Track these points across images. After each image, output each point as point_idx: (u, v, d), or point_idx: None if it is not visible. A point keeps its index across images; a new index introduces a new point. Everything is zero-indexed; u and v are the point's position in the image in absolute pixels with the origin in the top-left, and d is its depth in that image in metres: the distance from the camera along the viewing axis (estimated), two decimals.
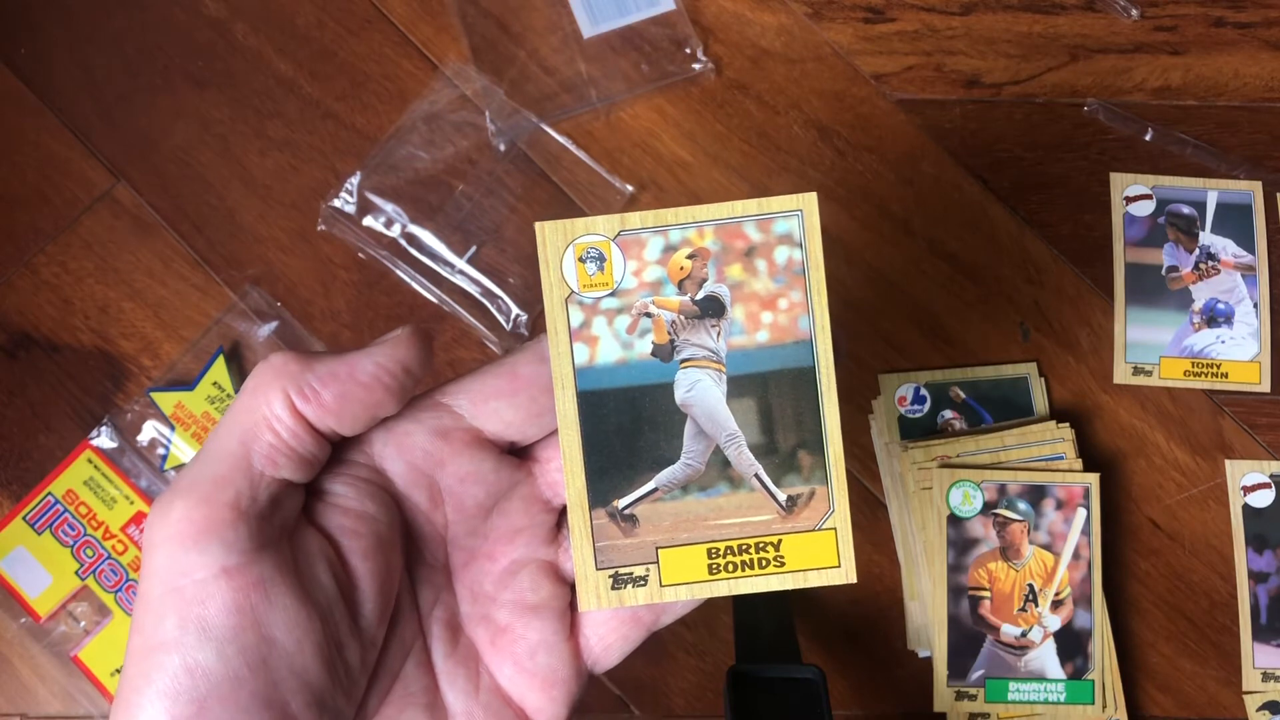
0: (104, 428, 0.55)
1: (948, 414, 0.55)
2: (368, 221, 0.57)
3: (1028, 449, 0.53)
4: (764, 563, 0.28)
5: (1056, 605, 0.52)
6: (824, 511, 0.28)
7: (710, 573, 0.28)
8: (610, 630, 0.29)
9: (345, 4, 0.60)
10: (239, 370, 0.56)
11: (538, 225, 0.27)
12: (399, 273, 0.56)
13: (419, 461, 0.27)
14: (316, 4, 0.60)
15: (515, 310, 0.56)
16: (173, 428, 0.55)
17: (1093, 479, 0.53)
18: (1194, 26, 0.59)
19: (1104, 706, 0.52)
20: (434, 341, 0.27)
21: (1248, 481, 0.54)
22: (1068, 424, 0.54)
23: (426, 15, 0.59)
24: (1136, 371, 0.55)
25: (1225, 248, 0.56)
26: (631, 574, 0.28)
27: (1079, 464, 0.53)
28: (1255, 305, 0.55)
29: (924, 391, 0.55)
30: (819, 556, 0.28)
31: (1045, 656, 0.52)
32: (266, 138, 0.58)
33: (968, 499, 0.53)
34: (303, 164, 0.58)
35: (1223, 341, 0.55)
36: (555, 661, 0.28)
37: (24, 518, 0.54)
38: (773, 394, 0.29)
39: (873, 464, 0.55)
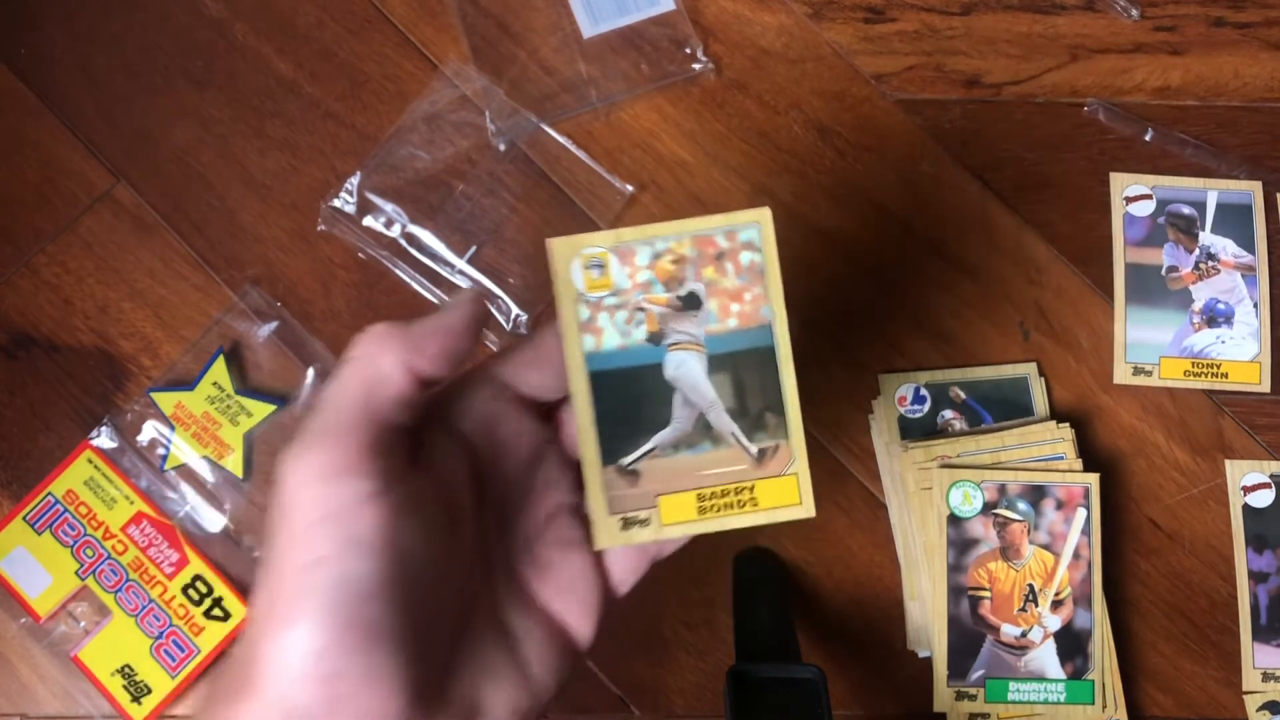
0: (104, 428, 0.55)
1: (948, 414, 0.55)
2: (368, 221, 0.57)
3: (1028, 449, 0.53)
4: (741, 504, 0.35)
5: (1056, 605, 0.52)
6: (787, 460, 0.35)
7: (700, 514, 0.35)
8: (625, 562, 0.35)
9: (345, 4, 0.60)
10: (239, 370, 0.56)
11: (549, 241, 0.34)
12: (399, 273, 0.56)
13: (482, 419, 0.33)
14: (316, 4, 0.60)
15: (515, 310, 0.56)
16: (173, 428, 0.55)
17: (1093, 479, 0.53)
18: (1194, 26, 0.59)
19: (1104, 706, 0.52)
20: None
21: (1248, 481, 0.54)
22: (1068, 424, 0.54)
23: (426, 15, 0.59)
24: (1137, 372, 0.55)
25: (1225, 248, 0.56)
26: (637, 517, 0.35)
27: (1079, 464, 0.53)
28: (1255, 305, 0.55)
29: (924, 391, 0.55)
30: (785, 497, 0.35)
31: (1045, 656, 0.52)
32: (266, 138, 0.58)
33: (968, 499, 0.53)
34: (303, 164, 0.58)
35: (1223, 341, 0.55)
36: (589, 587, 0.34)
37: (24, 518, 0.54)
38: (742, 369, 0.36)
39: (873, 464, 0.55)
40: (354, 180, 0.57)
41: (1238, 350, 0.55)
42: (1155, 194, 0.56)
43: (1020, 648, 0.52)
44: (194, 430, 0.55)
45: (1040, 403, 0.55)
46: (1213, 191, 0.56)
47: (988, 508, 0.53)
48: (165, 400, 0.55)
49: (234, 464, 0.54)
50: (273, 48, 0.59)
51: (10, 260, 0.57)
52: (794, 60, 0.59)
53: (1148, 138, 0.57)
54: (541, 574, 0.34)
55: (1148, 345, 0.55)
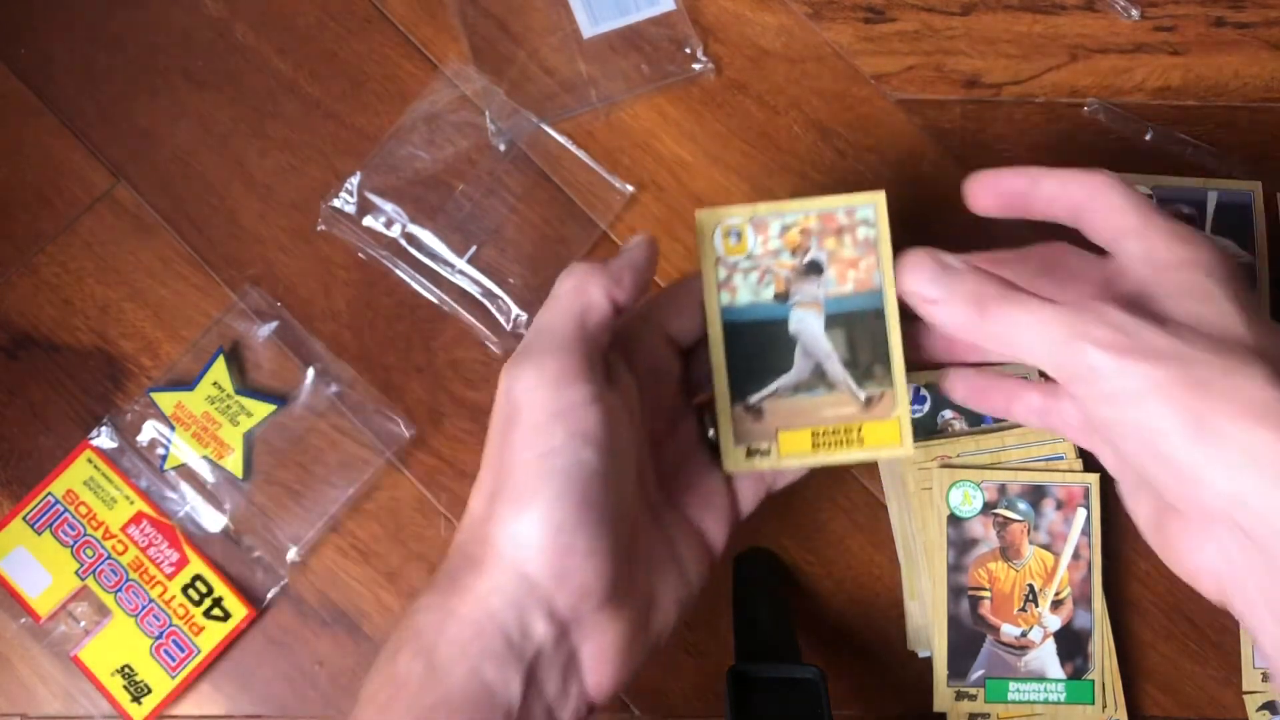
0: (104, 428, 0.55)
1: (948, 414, 0.55)
2: (368, 221, 0.57)
3: (1028, 449, 0.53)
4: (850, 442, 0.42)
5: (1056, 605, 0.52)
6: (891, 406, 0.42)
7: (813, 448, 0.42)
8: (747, 489, 0.43)
9: (345, 4, 0.60)
10: (239, 370, 0.56)
11: (697, 212, 0.41)
12: (399, 273, 0.56)
13: (643, 351, 0.40)
14: (316, 4, 0.60)
15: (515, 310, 0.56)
16: (173, 428, 0.55)
17: (1093, 479, 0.53)
18: (1194, 26, 0.59)
19: (1104, 706, 0.52)
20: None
21: None
22: None
23: (426, 15, 0.60)
24: (751, 454, 0.46)
25: (1226, 248, 0.55)
26: (759, 448, 0.41)
27: (1079, 464, 0.53)
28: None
29: (924, 391, 0.55)
30: (887, 438, 0.42)
31: (1045, 656, 0.52)
32: (266, 138, 0.58)
33: (968, 499, 0.53)
34: (303, 164, 0.58)
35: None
36: (722, 503, 0.42)
37: (24, 518, 0.54)
38: (855, 327, 0.42)
39: (873, 464, 0.55)
40: (354, 180, 0.57)
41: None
42: (1155, 194, 0.55)
43: (1020, 648, 0.52)
44: (194, 430, 0.55)
45: None
46: (1212, 191, 0.55)
47: (988, 508, 0.53)
48: (165, 400, 0.55)
49: (234, 464, 0.54)
50: (273, 48, 0.59)
51: (10, 260, 0.57)
52: (794, 60, 0.59)
53: (1148, 137, 0.57)
54: (684, 489, 0.41)
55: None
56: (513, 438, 0.34)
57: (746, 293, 0.42)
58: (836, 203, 0.42)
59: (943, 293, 0.37)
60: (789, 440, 0.42)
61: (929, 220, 0.58)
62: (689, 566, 0.39)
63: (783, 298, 0.42)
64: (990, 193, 0.41)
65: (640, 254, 0.39)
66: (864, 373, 0.42)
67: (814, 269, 0.43)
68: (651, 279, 0.39)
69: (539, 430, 0.34)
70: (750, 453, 0.41)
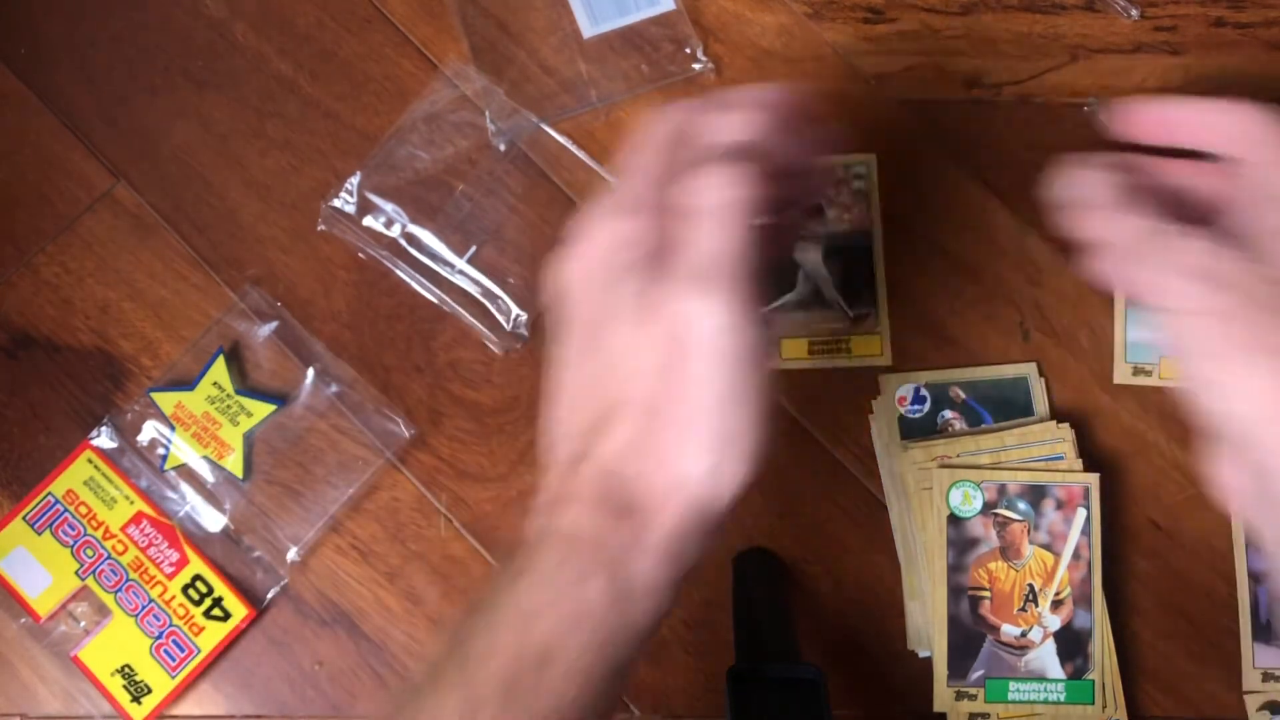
0: (104, 428, 0.55)
1: (948, 414, 0.55)
2: (368, 221, 0.57)
3: (1028, 449, 0.53)
4: (839, 351, 0.52)
5: (1056, 605, 0.52)
6: (875, 324, 0.53)
7: (809, 355, 0.52)
8: None
9: (345, 4, 0.60)
10: (239, 370, 0.56)
11: None
12: (399, 273, 0.56)
13: None
14: (316, 4, 0.60)
15: (515, 310, 0.56)
16: (173, 428, 0.55)
17: (1093, 479, 0.53)
18: (1194, 26, 0.59)
19: (1104, 706, 0.52)
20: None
21: None
22: (1068, 424, 0.54)
23: (426, 15, 0.59)
24: (1137, 372, 0.54)
25: None
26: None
27: (1079, 464, 0.53)
28: None
29: (924, 391, 0.55)
30: (871, 349, 0.53)
31: (1045, 656, 0.52)
32: (266, 138, 0.58)
33: (968, 499, 0.53)
34: (303, 164, 0.58)
35: None
36: None
37: (24, 518, 0.54)
38: (848, 259, 0.53)
39: (873, 464, 0.55)
40: (354, 180, 0.57)
41: None
42: None
43: (1020, 648, 0.52)
44: (194, 430, 0.55)
45: (1040, 403, 0.55)
46: None
47: (988, 508, 0.53)
48: (165, 400, 0.55)
49: (234, 464, 0.54)
50: (273, 48, 0.59)
51: (10, 260, 0.57)
52: (794, 60, 0.59)
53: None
54: None
55: (1149, 344, 0.54)
56: (692, 370, 0.35)
57: None
58: (836, 161, 0.54)
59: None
60: (790, 347, 0.52)
61: (929, 220, 0.58)
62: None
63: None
64: (1139, 122, 0.42)
65: (786, 97, 0.39)
66: (854, 295, 0.52)
67: (817, 210, 0.52)
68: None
69: (726, 371, 0.35)
70: (1138, 370, 0.47)
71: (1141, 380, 0.54)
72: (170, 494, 0.54)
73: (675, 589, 0.36)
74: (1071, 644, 0.52)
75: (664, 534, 0.35)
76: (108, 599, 0.53)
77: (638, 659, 0.36)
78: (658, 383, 0.35)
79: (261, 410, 0.55)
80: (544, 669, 0.33)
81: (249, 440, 0.55)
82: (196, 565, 0.54)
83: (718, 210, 0.35)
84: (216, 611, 0.53)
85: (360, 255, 0.57)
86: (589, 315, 0.37)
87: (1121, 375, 0.55)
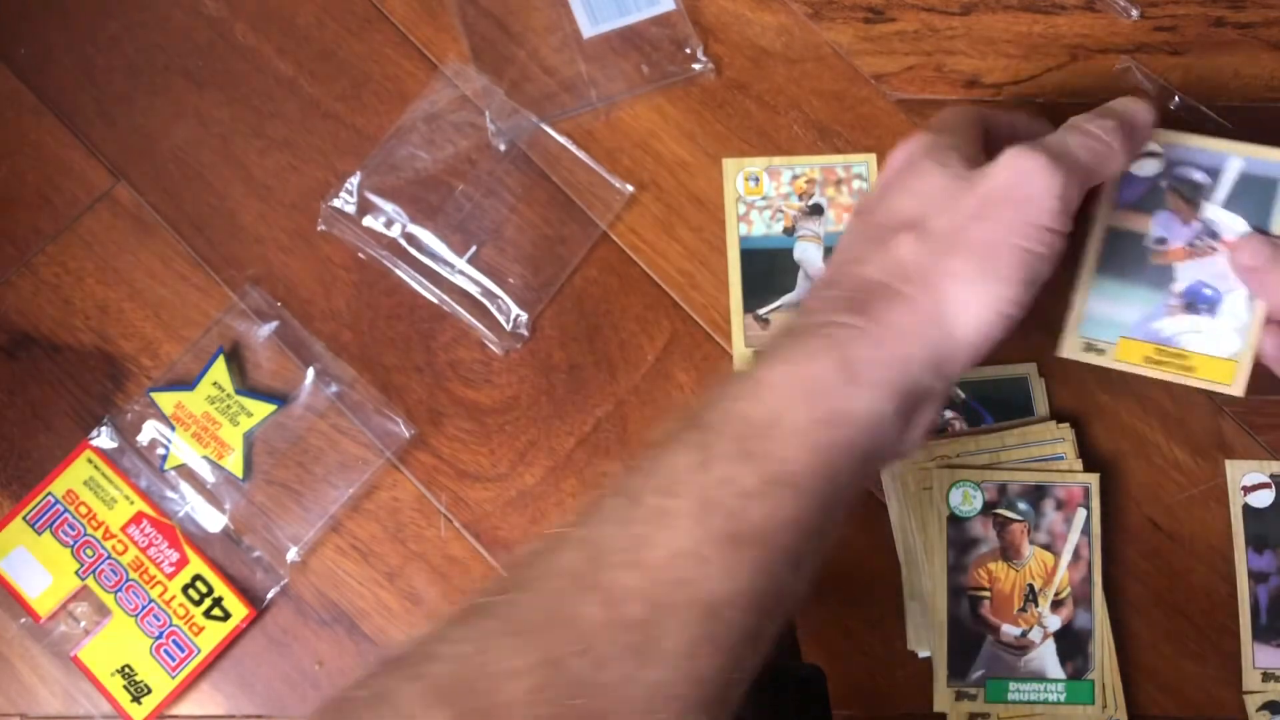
0: (104, 428, 0.55)
1: (948, 414, 0.55)
2: (368, 221, 0.57)
3: (1028, 449, 0.53)
4: None
5: (1056, 605, 0.52)
6: None
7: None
8: None
9: (345, 4, 0.60)
10: (239, 370, 0.56)
11: (725, 160, 0.55)
12: (399, 273, 0.56)
13: None
14: (316, 4, 0.60)
15: (515, 310, 0.56)
16: (173, 428, 0.55)
17: (1093, 479, 0.53)
18: (1194, 26, 0.59)
19: (1104, 706, 0.52)
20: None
21: (1248, 481, 0.54)
22: (1068, 424, 0.54)
23: (426, 15, 0.59)
24: (1088, 348, 0.48)
25: (1232, 226, 0.47)
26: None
27: (1079, 464, 0.53)
28: (1251, 297, 0.46)
29: None
30: None
31: (1045, 656, 0.52)
32: (266, 138, 0.58)
33: (968, 499, 0.53)
34: (303, 164, 0.58)
35: (1199, 332, 0.47)
36: None
37: (24, 518, 0.54)
38: None
39: None
40: (354, 180, 0.57)
41: (1214, 344, 0.47)
42: (1167, 154, 0.47)
43: (1020, 648, 0.52)
44: (194, 430, 0.55)
45: (1040, 403, 0.55)
46: (1236, 158, 0.47)
47: (988, 508, 0.53)
48: (165, 400, 0.55)
49: (234, 464, 0.54)
50: (273, 48, 0.59)
51: (10, 260, 0.57)
52: (794, 60, 0.59)
53: (1173, 105, 0.57)
54: None
55: (1108, 321, 0.48)
56: (1006, 216, 0.38)
57: (761, 226, 0.55)
58: (836, 160, 0.55)
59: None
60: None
61: None
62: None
63: (789, 232, 0.54)
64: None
65: (1148, 134, 0.45)
66: None
67: (816, 210, 0.54)
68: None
69: (1035, 231, 0.38)
70: (757, 355, 0.44)
71: (1091, 358, 0.48)
72: (170, 494, 0.54)
73: (898, 419, 0.37)
74: (1071, 644, 0.52)
75: (897, 350, 0.37)
76: (108, 599, 0.53)
77: (861, 488, 0.40)
78: (967, 219, 0.39)
79: (261, 410, 0.55)
80: (773, 430, 0.35)
81: (249, 440, 0.55)
82: (196, 565, 0.54)
83: (1103, 148, 0.42)
84: (216, 611, 0.53)
85: (360, 255, 0.57)
86: (904, 163, 0.42)
87: (1070, 348, 0.48)
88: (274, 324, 0.56)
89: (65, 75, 0.59)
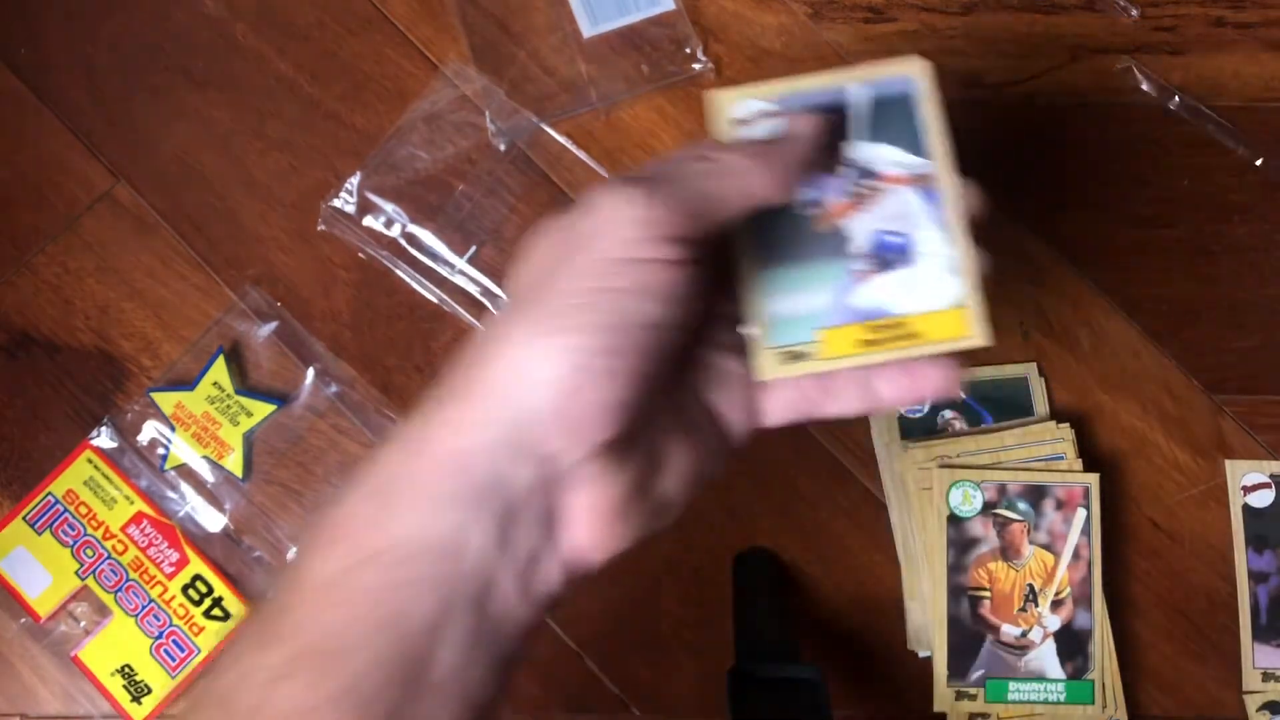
0: (104, 428, 0.55)
1: (948, 414, 0.55)
2: (368, 221, 0.57)
3: (1028, 449, 0.53)
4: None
5: (1056, 605, 0.52)
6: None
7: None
8: (781, 400, 0.36)
9: (345, 4, 0.60)
10: (239, 370, 0.56)
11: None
12: (399, 273, 0.56)
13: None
14: (316, 4, 0.60)
15: None
16: (173, 428, 0.55)
17: (1093, 479, 0.53)
18: (1194, 26, 0.59)
19: (1104, 706, 0.52)
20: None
21: (1248, 481, 0.55)
22: (1068, 424, 0.54)
23: (426, 15, 0.59)
24: (789, 358, 0.35)
25: (886, 157, 0.38)
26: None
27: (1079, 464, 0.53)
28: (944, 226, 0.36)
29: None
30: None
31: (1045, 656, 0.52)
32: (266, 138, 0.58)
33: (968, 499, 0.53)
34: (303, 164, 0.58)
35: (904, 287, 0.36)
36: (739, 390, 0.35)
37: (24, 518, 0.54)
38: None
39: (873, 464, 0.55)
40: (354, 180, 0.57)
41: (928, 296, 0.36)
42: (782, 106, 0.37)
43: (1020, 648, 0.52)
44: (194, 430, 0.55)
45: (1040, 403, 0.55)
46: (858, 86, 0.38)
47: (988, 508, 0.53)
48: (165, 400, 0.55)
49: (234, 464, 0.54)
50: (273, 48, 0.59)
51: (10, 260, 0.57)
52: (794, 60, 0.59)
53: (1173, 105, 0.57)
54: (701, 370, 0.35)
55: (797, 318, 0.36)
56: (577, 259, 0.31)
57: None
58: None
59: None
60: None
61: None
62: (707, 441, 0.34)
63: None
64: None
65: (806, 149, 0.35)
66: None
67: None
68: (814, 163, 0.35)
69: (607, 265, 0.30)
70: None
71: (799, 368, 0.35)
72: (170, 494, 0.54)
73: (490, 538, 0.29)
74: (1071, 644, 0.52)
75: (455, 439, 0.30)
76: (108, 599, 0.53)
77: (500, 669, 0.30)
78: (545, 273, 0.32)
79: (261, 410, 0.55)
80: (333, 641, 0.29)
81: (249, 440, 0.55)
82: (196, 565, 0.54)
83: (727, 165, 0.33)
84: (216, 611, 0.53)
85: (360, 255, 0.57)
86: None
87: (769, 368, 0.35)
88: (274, 324, 0.56)
89: (65, 75, 0.59)
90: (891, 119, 0.38)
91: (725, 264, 0.36)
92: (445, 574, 0.28)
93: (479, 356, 0.30)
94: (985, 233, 0.55)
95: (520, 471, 0.29)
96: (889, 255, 0.37)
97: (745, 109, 0.36)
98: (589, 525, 0.30)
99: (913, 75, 0.39)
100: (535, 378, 0.29)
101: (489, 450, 0.29)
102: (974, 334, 0.35)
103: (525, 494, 0.29)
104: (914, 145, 0.38)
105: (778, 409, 0.36)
